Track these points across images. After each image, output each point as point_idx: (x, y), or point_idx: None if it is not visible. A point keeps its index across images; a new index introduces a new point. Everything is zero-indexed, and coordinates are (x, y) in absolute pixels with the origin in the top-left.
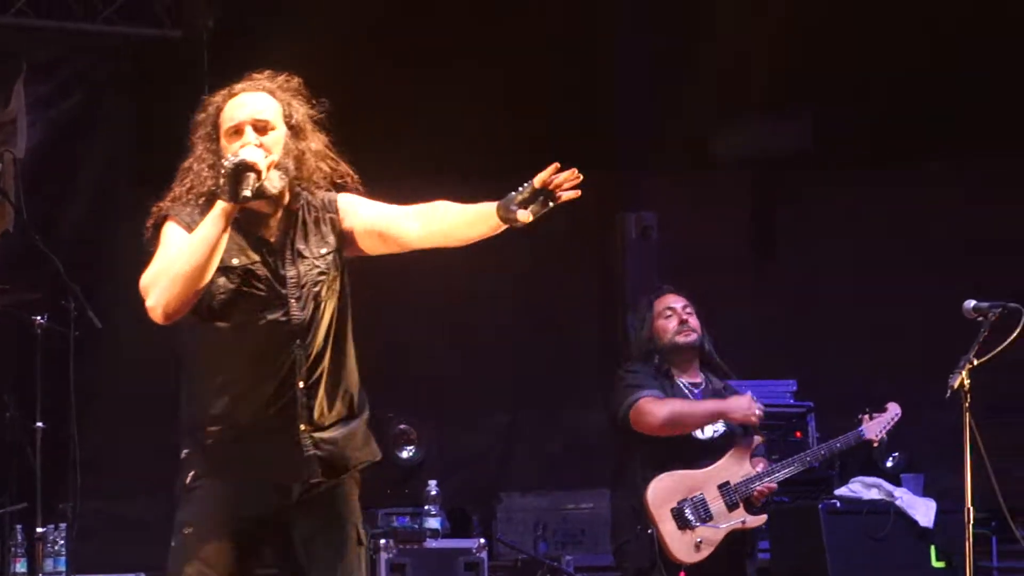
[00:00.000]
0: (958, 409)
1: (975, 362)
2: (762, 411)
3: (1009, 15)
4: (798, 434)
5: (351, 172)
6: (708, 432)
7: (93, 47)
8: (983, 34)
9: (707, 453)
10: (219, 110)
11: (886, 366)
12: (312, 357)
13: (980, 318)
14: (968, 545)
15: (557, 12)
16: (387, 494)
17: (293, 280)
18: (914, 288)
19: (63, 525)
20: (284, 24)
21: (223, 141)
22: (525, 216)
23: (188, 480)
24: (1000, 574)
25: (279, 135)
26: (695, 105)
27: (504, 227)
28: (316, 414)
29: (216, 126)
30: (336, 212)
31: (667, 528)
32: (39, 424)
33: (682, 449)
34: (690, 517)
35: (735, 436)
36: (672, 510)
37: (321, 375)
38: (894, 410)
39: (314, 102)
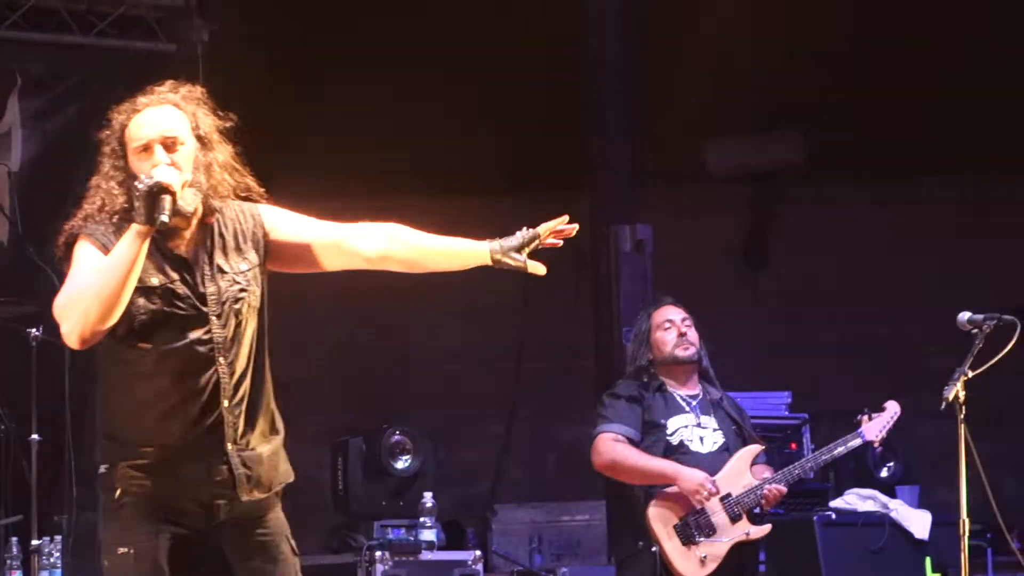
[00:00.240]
0: (953, 421)
1: (970, 374)
2: (712, 495)
3: (1004, 32)
4: (792, 446)
5: (255, 184)
6: (709, 445)
7: (88, 61)
8: (978, 50)
9: (709, 467)
10: (124, 127)
11: (880, 378)
12: (236, 375)
13: (975, 330)
14: (963, 557)
15: (546, 24)
16: (383, 506)
17: (214, 297)
18: (907, 301)
19: (59, 537)
20: (279, 40)
21: (131, 159)
22: (536, 268)
23: (115, 497)
24: None
25: (189, 150)
26: (689, 119)
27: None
28: (242, 432)
29: (122, 143)
30: (262, 226)
31: (671, 546)
32: (35, 436)
33: (687, 465)
34: (694, 532)
35: (734, 449)
36: (675, 527)
37: (245, 393)
38: (893, 409)
39: (219, 112)
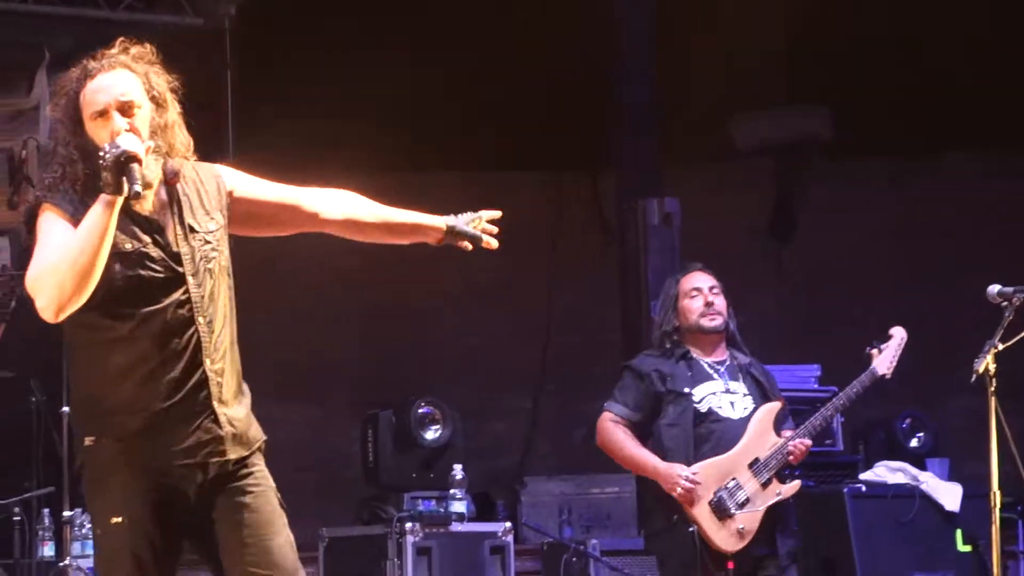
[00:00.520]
0: (983, 393)
1: (1000, 346)
2: (690, 487)
3: None
4: None
5: (191, 143)
6: (740, 411)
7: (115, 35)
8: (1006, 23)
9: (740, 432)
10: (77, 93)
11: (907, 352)
12: (215, 334)
13: (1004, 302)
14: (994, 529)
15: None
16: (413, 478)
17: (188, 256)
18: (934, 275)
19: None
20: (308, 13)
21: (88, 125)
22: (489, 241)
23: (101, 468)
24: None
25: (145, 113)
26: (715, 93)
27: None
28: (224, 390)
29: (77, 109)
30: (224, 186)
31: (708, 521)
32: (65, 409)
33: (719, 432)
34: (728, 505)
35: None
36: (710, 503)
37: (225, 352)
38: (900, 335)
39: (168, 70)
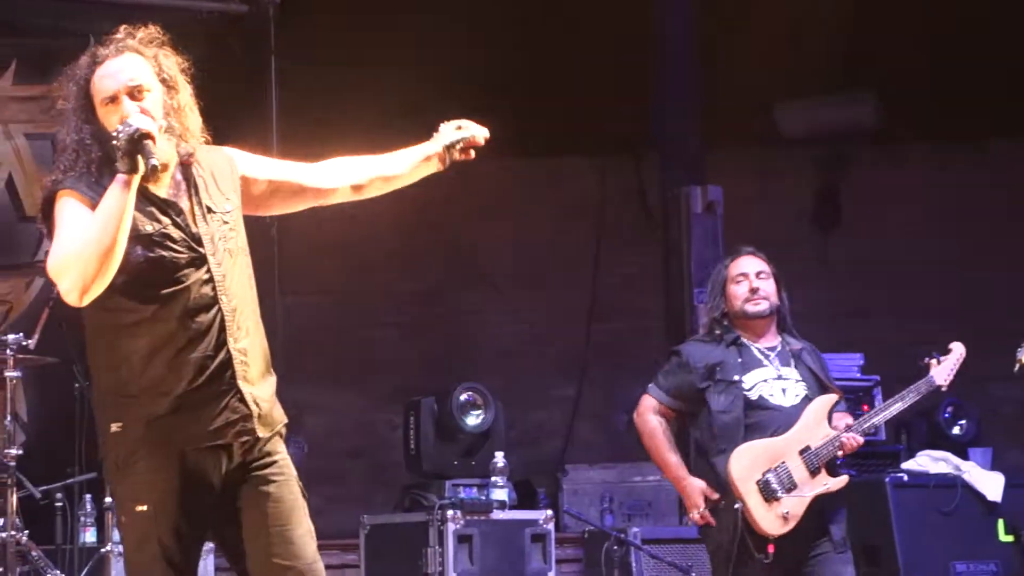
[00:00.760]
0: None
1: None
2: (699, 519)
3: None
4: (864, 407)
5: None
6: (791, 398)
7: (159, 23)
8: None
9: (791, 420)
10: (88, 80)
11: (951, 340)
12: (237, 313)
13: None
14: None
15: None
16: (454, 465)
17: (207, 237)
18: (978, 263)
19: None
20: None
21: (100, 112)
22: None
23: (126, 454)
24: None
25: (156, 96)
26: (759, 80)
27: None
28: (250, 369)
29: (88, 97)
30: (236, 167)
31: (754, 502)
32: None
33: (769, 420)
34: (776, 488)
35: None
36: (758, 482)
37: (248, 331)
38: (958, 351)
39: (178, 51)
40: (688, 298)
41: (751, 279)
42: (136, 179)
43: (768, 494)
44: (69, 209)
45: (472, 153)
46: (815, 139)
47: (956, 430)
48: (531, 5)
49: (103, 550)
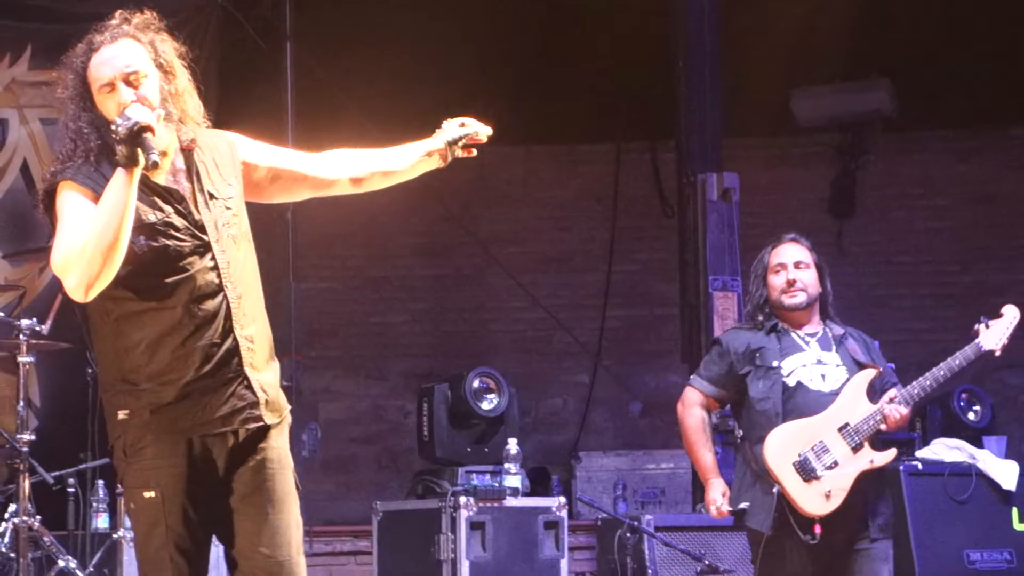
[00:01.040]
0: None
1: None
2: (716, 514)
3: None
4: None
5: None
6: (831, 383)
7: (175, 8)
8: None
9: (829, 405)
10: (84, 67)
11: (967, 328)
12: (242, 299)
13: None
14: None
15: None
16: (467, 452)
17: (210, 224)
18: (995, 251)
19: None
20: None
21: (97, 99)
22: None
23: (133, 441)
24: None
25: (153, 82)
26: (776, 68)
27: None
28: (256, 355)
29: (85, 84)
30: (238, 153)
31: (792, 483)
32: None
33: (807, 405)
34: (814, 466)
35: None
36: (794, 463)
37: (253, 317)
38: (1011, 313)
39: (175, 35)
40: (704, 285)
41: (789, 269)
42: (137, 172)
43: (806, 474)
44: (71, 201)
45: (474, 151)
46: (831, 127)
47: (972, 416)
48: None
49: (115, 536)
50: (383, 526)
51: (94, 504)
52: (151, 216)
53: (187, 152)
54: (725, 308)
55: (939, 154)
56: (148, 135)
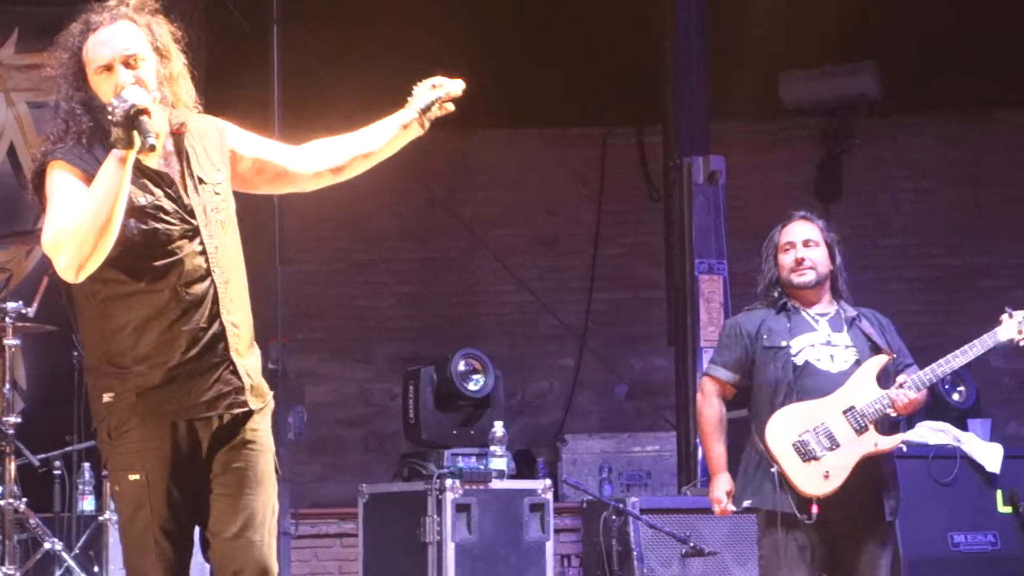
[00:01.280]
0: None
1: None
2: (718, 512)
3: None
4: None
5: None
6: (840, 364)
7: None
8: None
9: (838, 386)
10: (80, 48)
11: (953, 312)
12: (229, 284)
13: None
14: None
15: None
16: (453, 435)
17: (199, 208)
18: (981, 234)
19: None
20: None
21: (92, 80)
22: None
23: (118, 423)
24: None
25: (150, 65)
26: (763, 51)
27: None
28: (240, 341)
29: (80, 64)
30: (227, 140)
31: (790, 463)
32: None
33: (814, 386)
34: (814, 447)
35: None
36: (794, 444)
37: (238, 304)
38: None
39: (171, 18)
40: (689, 268)
41: (797, 248)
42: (132, 155)
43: (805, 454)
44: (61, 181)
45: (451, 106)
46: (817, 110)
47: (956, 396)
48: None
49: (101, 518)
50: (369, 508)
51: (80, 486)
52: (141, 199)
53: (177, 136)
54: (711, 291)
55: (925, 137)
56: (145, 118)
